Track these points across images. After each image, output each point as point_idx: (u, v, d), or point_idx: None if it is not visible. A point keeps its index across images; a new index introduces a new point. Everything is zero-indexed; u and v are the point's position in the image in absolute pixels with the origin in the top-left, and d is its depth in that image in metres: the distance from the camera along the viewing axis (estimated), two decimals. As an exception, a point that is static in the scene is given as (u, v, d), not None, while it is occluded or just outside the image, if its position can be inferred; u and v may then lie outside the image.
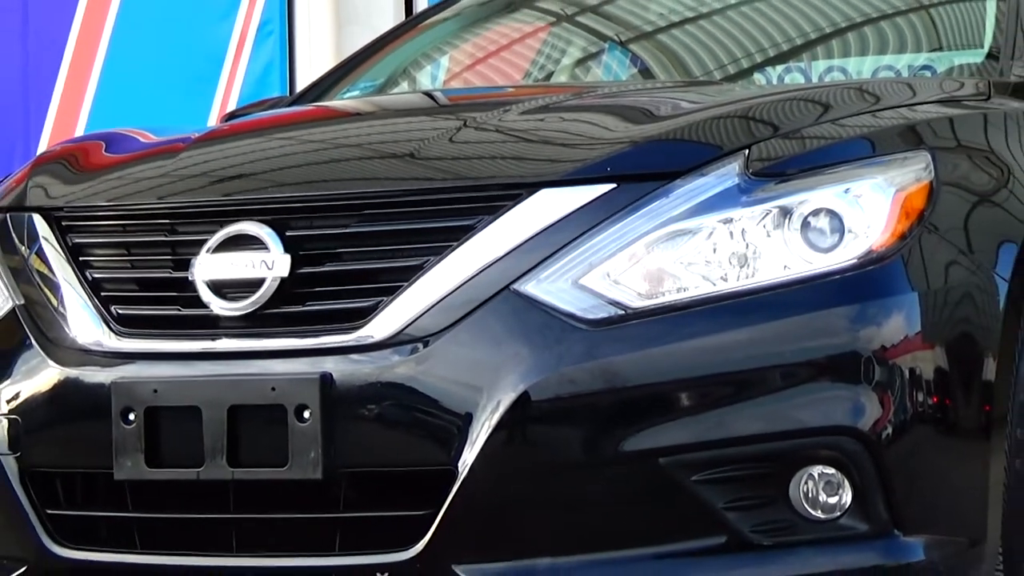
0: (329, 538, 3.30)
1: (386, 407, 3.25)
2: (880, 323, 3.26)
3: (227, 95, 7.52)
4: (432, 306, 3.27)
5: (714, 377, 3.22)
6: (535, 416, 3.19)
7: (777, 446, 3.21)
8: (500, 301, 3.25)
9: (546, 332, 3.23)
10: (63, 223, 3.64)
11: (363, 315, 3.30)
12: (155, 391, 3.37)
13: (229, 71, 7.55)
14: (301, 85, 6.94)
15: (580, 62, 5.16)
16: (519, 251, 3.28)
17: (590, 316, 3.24)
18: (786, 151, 3.43)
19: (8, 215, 3.74)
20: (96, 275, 3.55)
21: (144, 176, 3.74)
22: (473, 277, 3.27)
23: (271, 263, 3.36)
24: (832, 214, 3.30)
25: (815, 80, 4.72)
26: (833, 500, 3.22)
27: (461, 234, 3.31)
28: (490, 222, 3.31)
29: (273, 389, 3.29)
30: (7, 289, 3.63)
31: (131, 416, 3.36)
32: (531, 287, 3.26)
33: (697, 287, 3.26)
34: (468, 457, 3.18)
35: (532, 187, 3.33)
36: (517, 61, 5.22)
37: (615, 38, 5.17)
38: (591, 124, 3.70)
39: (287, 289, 3.36)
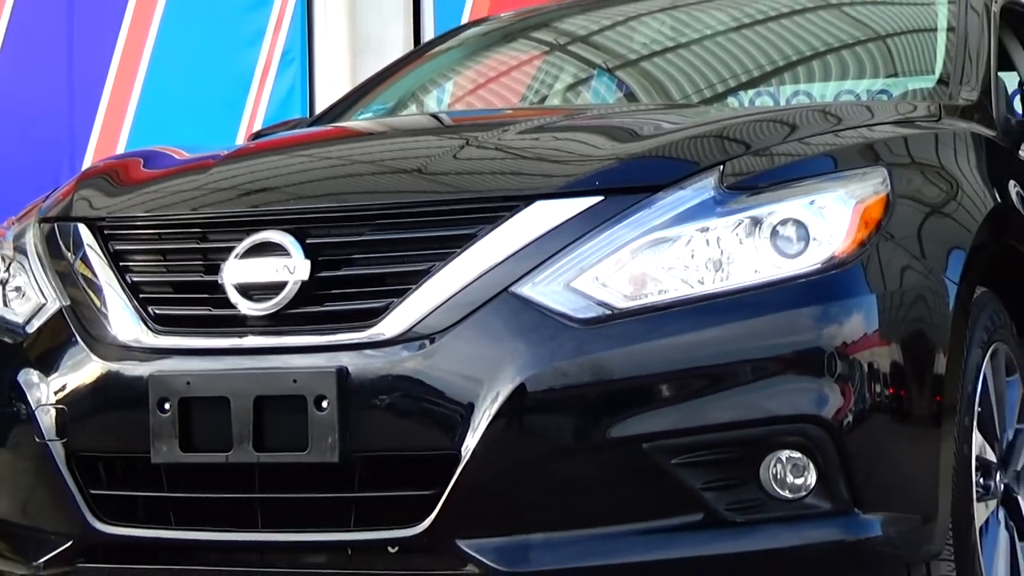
0: (345, 515, 3.29)
1: (396, 397, 3.25)
2: (842, 322, 3.25)
3: (253, 116, 7.53)
4: (438, 307, 3.26)
5: (692, 370, 3.22)
6: (531, 406, 3.19)
7: (749, 432, 3.21)
8: (499, 302, 3.25)
9: (541, 330, 3.22)
10: (105, 232, 3.63)
11: (375, 315, 3.30)
12: (188, 383, 3.37)
13: (255, 94, 7.55)
14: (320, 107, 6.94)
15: (571, 87, 5.16)
16: (516, 257, 3.28)
17: (580, 316, 3.23)
18: (757, 167, 3.43)
19: (56, 224, 3.74)
20: (135, 279, 3.54)
21: (178, 189, 3.74)
22: (475, 280, 3.27)
23: (293, 268, 3.36)
24: (798, 223, 3.30)
25: (783, 103, 4.72)
26: (799, 481, 3.22)
27: (464, 242, 3.30)
28: (490, 231, 3.30)
29: (295, 381, 3.29)
30: (55, 291, 3.63)
31: (166, 406, 3.36)
32: (527, 289, 3.26)
33: (677, 289, 3.26)
34: (470, 443, 3.18)
35: (528, 199, 3.33)
36: (514, 86, 5.22)
37: (603, 65, 5.18)
38: (581, 143, 3.70)
39: (307, 291, 3.36)
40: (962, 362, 3.48)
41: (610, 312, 3.24)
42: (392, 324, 3.28)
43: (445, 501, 3.19)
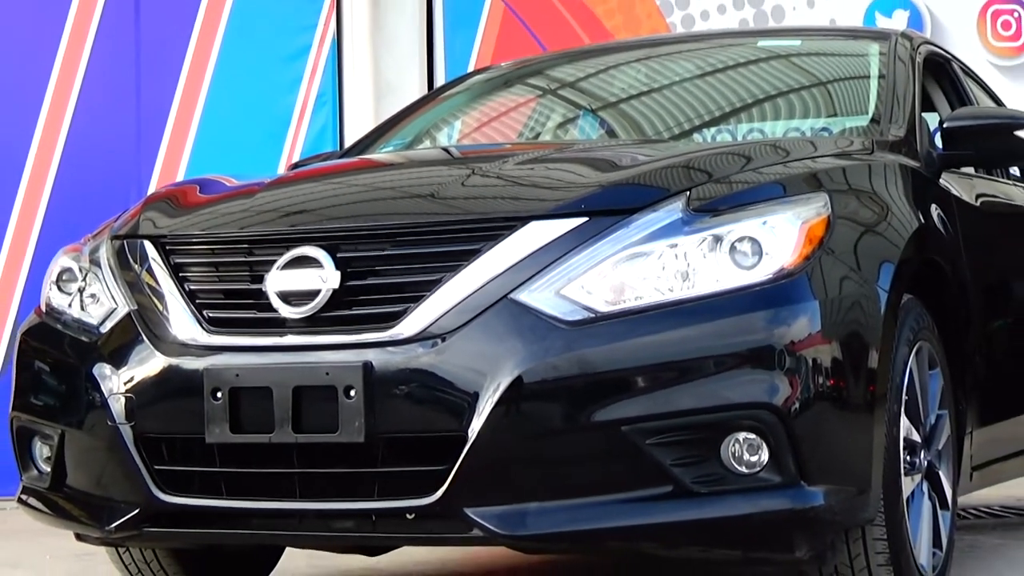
0: (369, 487, 3.29)
1: (413, 387, 3.24)
2: (790, 323, 3.25)
3: (292, 149, 7.52)
4: (448, 310, 3.26)
5: (663, 364, 3.21)
6: (527, 394, 3.19)
7: (711, 417, 3.20)
8: (500, 307, 3.25)
9: (535, 330, 3.22)
10: (167, 247, 3.63)
11: (395, 317, 3.29)
12: (237, 375, 3.36)
13: (294, 131, 7.54)
14: (349, 142, 6.93)
15: (561, 125, 5.15)
16: (514, 269, 3.27)
17: (569, 318, 3.23)
18: (718, 192, 3.43)
19: (125, 241, 3.74)
20: (192, 287, 3.54)
21: (229, 211, 3.73)
22: (479, 288, 3.26)
23: (325, 278, 3.36)
24: (753, 240, 3.29)
25: (740, 138, 4.71)
26: (754, 459, 3.21)
27: (470, 256, 3.30)
28: (492, 246, 3.30)
29: (327, 373, 3.28)
30: (124, 298, 3.63)
31: (219, 394, 3.35)
32: (524, 296, 3.25)
33: (650, 296, 3.25)
34: (476, 425, 3.18)
35: (524, 220, 3.33)
36: (513, 124, 5.21)
37: (587, 107, 5.17)
38: (569, 172, 3.70)
39: (338, 297, 3.35)
40: (891, 358, 3.48)
41: (594, 315, 3.23)
42: (409, 325, 3.28)
43: (455, 475, 3.19)
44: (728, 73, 5.00)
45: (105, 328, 3.63)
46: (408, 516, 3.27)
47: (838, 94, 4.84)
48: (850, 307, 3.38)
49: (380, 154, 4.79)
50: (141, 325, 3.55)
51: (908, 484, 3.60)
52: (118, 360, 3.54)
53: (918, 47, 4.75)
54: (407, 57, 7.90)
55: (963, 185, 4.49)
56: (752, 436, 3.20)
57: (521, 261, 3.28)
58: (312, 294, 3.36)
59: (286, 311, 3.38)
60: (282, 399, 3.30)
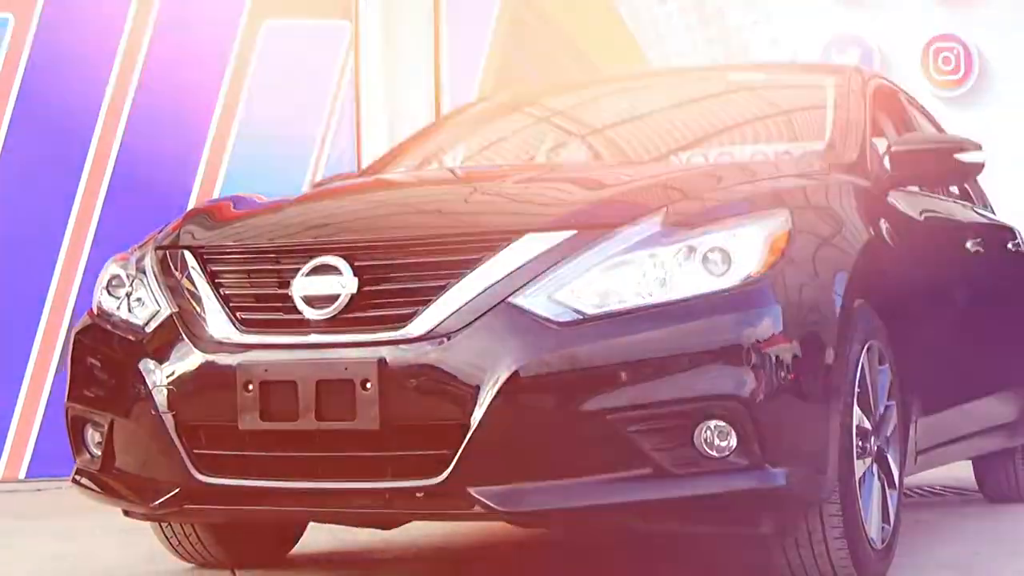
0: (383, 469, 3.29)
1: (422, 381, 3.24)
2: (756, 325, 3.25)
3: (315, 170, 7.52)
4: (453, 313, 3.26)
5: (643, 360, 3.21)
6: (523, 387, 3.19)
7: (686, 407, 3.20)
8: (499, 309, 3.25)
9: (530, 330, 3.22)
10: (204, 256, 3.63)
11: (406, 319, 3.29)
12: (266, 370, 3.36)
13: (316, 153, 7.54)
14: (366, 163, 6.93)
15: (553, 148, 5.15)
16: (511, 276, 3.27)
17: (560, 320, 3.23)
18: (692, 208, 3.43)
19: (167, 251, 3.73)
20: (226, 291, 3.54)
21: (259, 225, 3.73)
22: (480, 293, 3.27)
23: (344, 284, 3.36)
24: (723, 251, 3.30)
25: (711, 161, 4.71)
26: (724, 444, 3.22)
27: (472, 264, 3.30)
28: (492, 256, 3.30)
29: (346, 368, 3.28)
30: (167, 301, 3.62)
31: (250, 387, 3.35)
32: (520, 300, 3.25)
33: (632, 300, 3.25)
34: (478, 414, 3.18)
35: (520, 233, 3.33)
36: (511, 147, 5.21)
37: (576, 133, 5.17)
38: (561, 190, 3.70)
39: (355, 301, 3.35)
40: (845, 355, 3.48)
41: (582, 317, 3.23)
42: (419, 326, 3.27)
43: (459, 458, 3.19)
44: (701, 103, 5.00)
45: (150, 328, 3.62)
46: (418, 495, 3.27)
47: (798, 122, 4.84)
48: (809, 310, 3.38)
49: (393, 174, 4.78)
50: (181, 325, 3.54)
51: (860, 466, 3.60)
52: (161, 356, 3.54)
53: (869, 80, 4.76)
54: (418, 87, 7.91)
55: (908, 202, 4.49)
56: (722, 424, 3.21)
57: (518, 269, 3.28)
58: (333, 298, 3.36)
59: (309, 313, 3.38)
60: (306, 391, 3.30)
